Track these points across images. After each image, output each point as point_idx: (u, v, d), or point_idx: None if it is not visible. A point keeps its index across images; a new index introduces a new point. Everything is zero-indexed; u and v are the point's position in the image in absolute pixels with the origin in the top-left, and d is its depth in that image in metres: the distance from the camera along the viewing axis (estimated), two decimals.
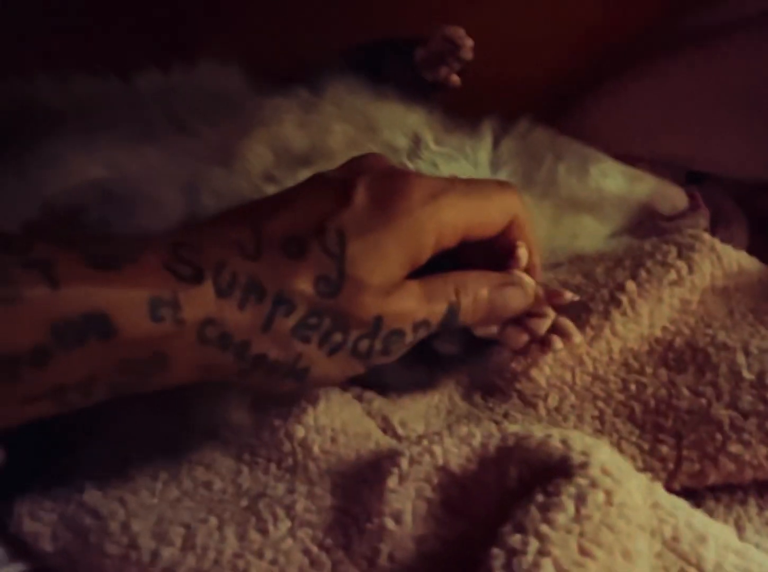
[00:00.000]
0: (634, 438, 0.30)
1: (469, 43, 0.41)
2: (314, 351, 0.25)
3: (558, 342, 0.32)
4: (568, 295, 0.31)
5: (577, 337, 0.33)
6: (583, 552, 0.19)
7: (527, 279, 0.30)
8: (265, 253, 0.24)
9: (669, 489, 0.27)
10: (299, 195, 0.26)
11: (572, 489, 0.21)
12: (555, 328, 0.33)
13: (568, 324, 0.33)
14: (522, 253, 0.30)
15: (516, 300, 0.29)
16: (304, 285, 0.24)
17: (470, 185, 0.28)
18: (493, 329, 0.32)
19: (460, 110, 0.44)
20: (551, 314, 0.32)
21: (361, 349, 0.25)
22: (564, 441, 0.23)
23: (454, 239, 0.27)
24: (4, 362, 0.20)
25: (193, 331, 0.22)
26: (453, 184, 0.27)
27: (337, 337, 0.25)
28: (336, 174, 0.27)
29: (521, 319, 0.32)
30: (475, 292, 0.28)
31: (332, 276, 0.24)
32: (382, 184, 0.26)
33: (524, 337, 0.32)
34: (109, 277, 0.21)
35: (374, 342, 0.26)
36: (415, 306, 0.26)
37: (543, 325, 0.32)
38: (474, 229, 0.27)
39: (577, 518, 0.20)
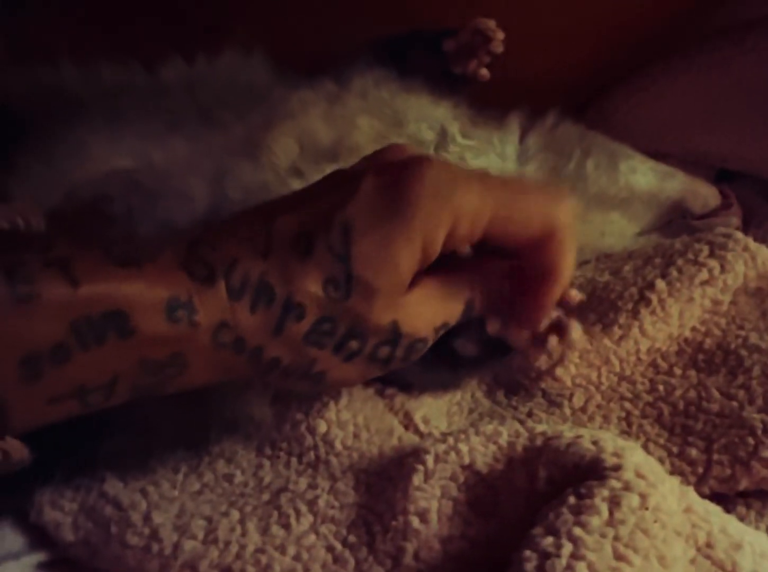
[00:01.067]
0: (662, 441, 0.29)
1: (500, 35, 0.40)
2: (330, 357, 0.24)
3: (553, 340, 0.31)
4: (574, 294, 0.30)
5: (576, 333, 0.31)
6: (619, 556, 0.19)
7: None
8: (275, 251, 0.23)
9: (698, 493, 0.26)
10: (313, 190, 0.25)
11: (605, 492, 0.20)
12: (554, 325, 0.31)
13: (567, 320, 0.31)
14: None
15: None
16: (314, 287, 0.23)
17: (510, 180, 0.26)
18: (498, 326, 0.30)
19: (488, 103, 0.43)
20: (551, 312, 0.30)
21: (380, 356, 0.25)
22: (595, 443, 0.23)
23: (472, 232, 0.24)
24: (26, 360, 0.20)
25: (208, 334, 0.22)
26: (484, 175, 0.25)
27: (354, 344, 0.24)
28: (350, 169, 0.26)
29: None
30: (489, 286, 0.27)
31: (340, 278, 0.23)
32: (392, 173, 0.24)
33: (524, 334, 0.30)
34: (129, 275, 0.21)
35: (395, 350, 0.25)
36: (433, 312, 0.25)
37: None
38: (500, 227, 0.24)
39: (611, 522, 0.20)
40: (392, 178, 0.23)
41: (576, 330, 0.31)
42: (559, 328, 0.31)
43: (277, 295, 0.23)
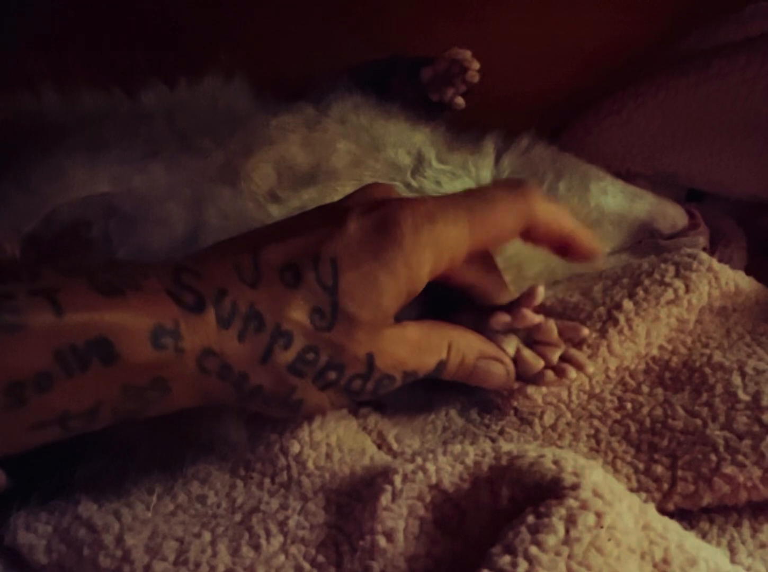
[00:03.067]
0: (629, 458, 0.30)
1: (476, 66, 0.41)
2: (308, 386, 0.25)
3: (572, 372, 0.32)
4: (585, 331, 0.31)
5: (591, 367, 0.33)
6: None
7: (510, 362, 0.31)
8: (264, 281, 0.24)
9: (663, 509, 0.27)
10: (299, 222, 0.26)
11: (563, 511, 0.21)
12: (567, 359, 0.33)
13: (579, 354, 0.33)
14: (540, 290, 0.30)
15: (497, 377, 0.30)
16: (301, 316, 0.24)
17: (472, 196, 0.27)
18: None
19: (464, 126, 0.45)
20: (563, 345, 0.32)
21: (353, 388, 0.26)
22: (556, 462, 0.24)
23: (452, 262, 0.26)
24: (10, 388, 0.20)
25: (193, 360, 0.23)
26: (453, 199, 0.27)
27: (332, 375, 0.25)
28: (335, 204, 0.27)
29: (535, 347, 0.32)
30: (464, 355, 0.28)
31: (326, 309, 0.24)
32: (376, 212, 0.25)
33: (541, 363, 0.32)
34: (114, 303, 0.21)
35: (367, 383, 0.26)
36: (407, 356, 0.26)
37: (556, 354, 0.32)
38: (482, 241, 0.27)
39: (567, 540, 0.20)
40: (377, 218, 0.25)
41: (572, 372, 0.32)
42: (571, 361, 0.32)
43: (267, 323, 0.24)
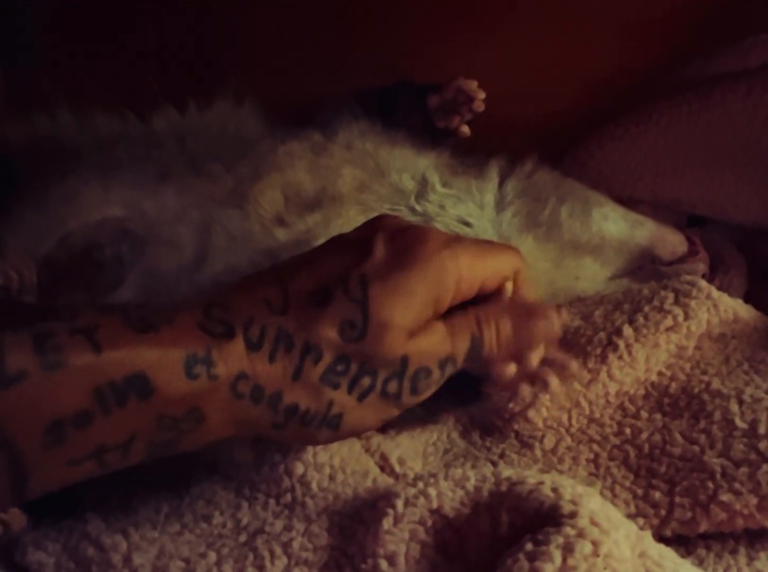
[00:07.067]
0: (627, 483, 0.30)
1: (482, 95, 0.42)
2: (345, 398, 0.25)
3: (554, 381, 0.31)
4: (574, 366, 0.31)
5: (573, 366, 0.32)
6: None
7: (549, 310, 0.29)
8: (292, 308, 0.25)
9: (661, 535, 0.28)
10: (322, 254, 0.27)
11: (560, 539, 0.21)
12: (548, 363, 0.31)
13: (561, 356, 0.32)
14: (509, 286, 0.29)
15: (541, 328, 0.29)
16: (330, 331, 0.25)
17: (479, 241, 0.29)
18: None
19: (468, 151, 0.45)
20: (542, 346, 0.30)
21: (390, 391, 0.26)
22: (555, 489, 0.24)
23: (472, 288, 0.27)
24: (52, 427, 0.20)
25: (226, 386, 0.23)
26: (464, 238, 0.28)
27: (366, 381, 0.25)
28: (355, 234, 0.28)
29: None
30: (497, 323, 0.28)
31: (357, 319, 0.25)
32: (400, 237, 0.27)
33: (512, 368, 0.29)
34: (148, 339, 0.22)
35: (402, 381, 0.26)
36: (439, 343, 0.27)
37: (535, 357, 0.30)
38: (489, 280, 0.28)
39: (564, 568, 0.21)
40: (404, 240, 0.27)
41: (570, 361, 0.32)
42: (553, 365, 0.32)
43: (296, 342, 0.24)
